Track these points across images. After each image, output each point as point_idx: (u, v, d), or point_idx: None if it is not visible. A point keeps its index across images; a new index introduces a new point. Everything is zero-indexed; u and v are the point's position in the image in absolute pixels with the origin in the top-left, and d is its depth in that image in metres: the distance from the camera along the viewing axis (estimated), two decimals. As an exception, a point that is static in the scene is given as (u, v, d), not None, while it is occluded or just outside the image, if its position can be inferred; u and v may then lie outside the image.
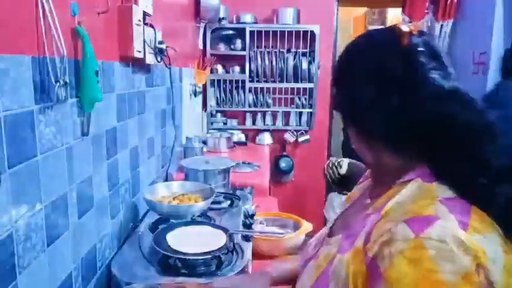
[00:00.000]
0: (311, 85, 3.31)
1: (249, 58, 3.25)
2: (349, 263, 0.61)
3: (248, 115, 3.45)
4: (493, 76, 2.16)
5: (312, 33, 3.23)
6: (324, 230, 0.82)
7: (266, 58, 3.23)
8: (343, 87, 0.71)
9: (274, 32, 3.21)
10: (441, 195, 0.57)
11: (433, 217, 0.53)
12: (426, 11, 2.77)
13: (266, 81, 3.31)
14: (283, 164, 3.48)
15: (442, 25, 2.65)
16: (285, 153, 3.50)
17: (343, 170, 1.24)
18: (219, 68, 3.31)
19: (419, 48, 0.62)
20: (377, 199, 0.66)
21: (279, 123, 3.45)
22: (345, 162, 1.25)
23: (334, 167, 1.26)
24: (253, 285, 0.91)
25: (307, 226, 1.61)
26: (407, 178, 0.62)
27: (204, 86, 3.17)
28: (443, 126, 0.59)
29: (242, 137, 3.32)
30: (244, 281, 0.95)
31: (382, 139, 0.65)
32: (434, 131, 0.60)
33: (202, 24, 3.00)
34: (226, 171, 1.80)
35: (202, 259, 1.11)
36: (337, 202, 3.01)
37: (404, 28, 0.64)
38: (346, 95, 0.70)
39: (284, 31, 3.21)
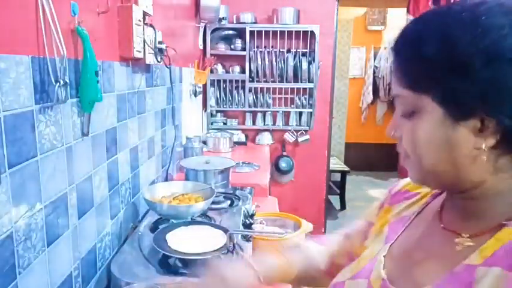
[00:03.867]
0: (311, 85, 3.31)
1: (249, 58, 3.25)
2: None
3: (248, 115, 3.45)
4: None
5: (312, 33, 3.23)
6: (369, 271, 0.61)
7: (266, 58, 3.23)
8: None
9: (274, 32, 3.21)
10: None
11: None
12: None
13: (266, 81, 3.31)
14: (283, 164, 3.47)
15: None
16: (285, 153, 3.50)
17: None
18: (219, 68, 3.31)
19: None
20: (475, 241, 0.51)
21: (279, 123, 3.45)
22: None
23: None
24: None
25: (307, 226, 1.61)
26: None
27: (204, 86, 3.16)
28: None
29: (242, 137, 3.32)
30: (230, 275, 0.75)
31: None
32: None
33: (202, 24, 3.00)
34: (226, 171, 1.80)
35: (202, 259, 1.10)
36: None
37: None
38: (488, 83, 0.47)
39: (284, 31, 3.21)
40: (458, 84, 0.48)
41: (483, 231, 0.50)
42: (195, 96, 2.71)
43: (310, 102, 3.37)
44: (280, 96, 3.40)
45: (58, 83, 0.85)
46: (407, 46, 0.54)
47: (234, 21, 3.27)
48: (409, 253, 0.59)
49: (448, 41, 0.49)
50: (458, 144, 0.49)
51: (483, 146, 0.48)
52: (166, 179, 1.92)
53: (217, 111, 3.42)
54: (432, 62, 0.50)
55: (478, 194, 0.52)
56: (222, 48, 3.27)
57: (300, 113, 3.45)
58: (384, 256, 0.61)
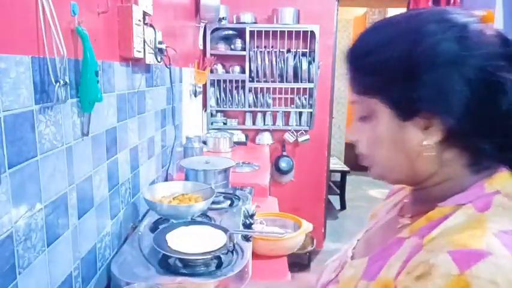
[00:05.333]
0: (311, 85, 3.31)
1: (249, 58, 3.25)
2: None
3: (248, 115, 3.45)
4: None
5: (312, 33, 3.23)
6: (344, 252, 0.72)
7: (266, 58, 3.23)
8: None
9: (274, 32, 3.21)
10: (496, 227, 0.47)
11: (484, 251, 0.44)
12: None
13: (266, 81, 3.31)
14: (283, 164, 3.47)
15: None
16: (285, 153, 3.50)
17: None
18: (219, 68, 3.31)
19: None
20: (413, 220, 0.57)
21: (279, 123, 3.45)
22: None
23: None
24: None
25: (307, 226, 1.61)
26: (456, 201, 0.53)
27: (204, 86, 3.17)
28: None
29: (242, 137, 3.32)
30: None
31: (470, 134, 0.53)
32: None
33: (202, 24, 3.00)
34: (226, 171, 1.80)
35: (202, 259, 1.11)
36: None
37: None
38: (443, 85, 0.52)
39: (284, 31, 3.21)
40: (401, 88, 0.53)
41: (422, 212, 0.56)
42: (195, 96, 2.71)
43: (310, 102, 3.37)
44: (280, 96, 3.40)
45: (58, 83, 0.85)
46: (355, 56, 0.60)
47: (234, 21, 3.27)
48: (372, 236, 0.69)
49: (388, 49, 0.54)
50: (407, 141, 0.55)
51: (430, 142, 0.54)
52: (166, 179, 1.92)
53: (217, 111, 3.42)
54: (376, 69, 0.56)
55: (428, 184, 0.58)
56: (222, 48, 3.27)
57: (300, 113, 3.45)
58: (358, 240, 0.72)
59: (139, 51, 1.35)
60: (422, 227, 0.53)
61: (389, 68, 0.54)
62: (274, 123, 3.45)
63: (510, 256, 0.44)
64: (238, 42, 3.26)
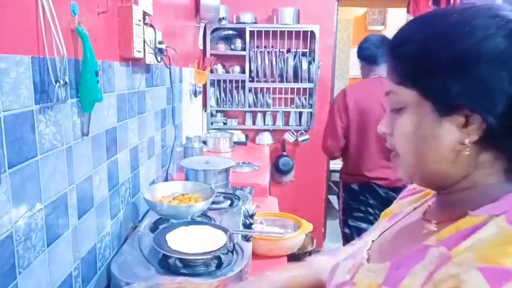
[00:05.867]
0: (311, 85, 3.31)
1: (249, 58, 3.25)
2: None
3: (248, 115, 3.45)
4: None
5: (312, 33, 3.23)
6: (358, 252, 0.68)
7: (266, 58, 3.23)
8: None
9: (274, 32, 3.21)
10: None
11: None
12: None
13: (266, 81, 3.31)
14: (283, 164, 3.47)
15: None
16: (285, 153, 3.50)
17: None
18: (219, 68, 3.31)
19: None
20: (440, 227, 0.54)
21: (279, 123, 3.45)
22: None
23: None
24: None
25: (307, 226, 1.61)
26: (488, 211, 0.49)
27: (204, 86, 3.17)
28: None
29: (242, 137, 3.32)
30: None
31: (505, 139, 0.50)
32: None
33: (202, 24, 3.00)
34: (226, 171, 1.80)
35: (202, 259, 1.11)
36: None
37: None
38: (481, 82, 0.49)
39: (284, 31, 3.21)
40: (443, 80, 0.51)
41: (450, 218, 0.52)
42: (195, 96, 2.71)
43: (310, 102, 3.37)
44: (280, 96, 3.40)
45: (58, 83, 0.85)
46: (400, 45, 0.56)
47: (234, 21, 3.27)
48: (391, 238, 0.65)
49: (436, 40, 0.51)
50: (443, 137, 0.52)
51: (466, 141, 0.50)
52: (166, 179, 1.92)
53: (217, 111, 3.42)
54: (418, 58, 0.53)
55: (458, 188, 0.55)
56: (222, 48, 3.27)
57: (300, 113, 3.45)
58: (373, 241, 0.68)
59: (139, 51, 1.35)
60: (451, 235, 0.50)
61: (432, 58, 0.51)
62: (274, 123, 3.45)
63: None
64: (238, 42, 3.26)
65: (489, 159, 0.52)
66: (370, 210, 2.22)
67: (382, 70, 2.20)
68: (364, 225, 2.19)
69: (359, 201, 2.25)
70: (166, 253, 1.10)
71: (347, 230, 2.33)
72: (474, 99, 0.49)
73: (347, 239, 2.31)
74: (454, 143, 0.51)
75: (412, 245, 0.55)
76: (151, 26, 1.48)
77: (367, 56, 2.24)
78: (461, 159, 0.52)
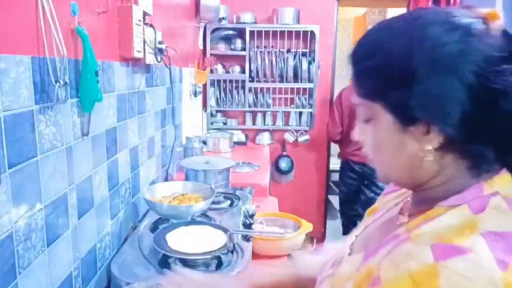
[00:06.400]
0: (311, 85, 3.31)
1: (249, 58, 3.25)
2: (358, 280, 0.55)
3: (248, 115, 3.45)
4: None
5: (312, 33, 3.23)
6: (342, 248, 0.72)
7: (266, 58, 3.23)
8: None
9: (274, 32, 3.21)
10: (486, 227, 0.47)
11: (465, 248, 0.44)
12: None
13: (266, 81, 3.31)
14: (283, 164, 3.48)
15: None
16: (285, 153, 3.50)
17: None
18: (219, 68, 3.31)
19: None
20: (411, 219, 0.57)
21: (279, 123, 3.45)
22: None
23: None
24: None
25: (307, 226, 1.61)
26: (453, 201, 0.52)
27: (204, 86, 3.17)
28: None
29: (242, 137, 3.32)
30: (222, 281, 0.90)
31: (464, 140, 0.52)
32: None
33: (202, 24, 3.00)
34: (226, 171, 1.80)
35: (202, 259, 1.11)
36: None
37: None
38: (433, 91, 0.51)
39: (284, 31, 3.21)
40: (399, 94, 0.52)
41: (421, 211, 0.55)
42: (195, 96, 2.71)
43: (310, 102, 3.37)
44: (280, 96, 3.40)
45: (58, 83, 0.85)
46: (357, 58, 0.59)
47: (234, 21, 3.27)
48: (371, 232, 0.69)
49: (388, 52, 0.53)
50: (407, 146, 0.55)
51: (429, 148, 0.53)
52: (166, 179, 1.92)
53: (217, 111, 3.42)
54: (376, 73, 0.55)
55: (429, 186, 0.58)
56: (222, 48, 3.27)
57: (300, 113, 3.45)
58: (357, 236, 0.72)
59: (139, 51, 1.35)
60: (419, 224, 0.53)
61: (388, 72, 0.53)
62: (274, 123, 3.45)
63: (491, 257, 0.44)
64: (238, 42, 3.26)
65: (453, 160, 0.54)
66: (351, 181, 3.18)
67: None
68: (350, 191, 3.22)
69: (344, 172, 3.24)
70: (166, 253, 1.10)
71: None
72: (429, 112, 0.51)
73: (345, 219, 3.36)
74: (418, 149, 0.54)
75: (385, 236, 0.58)
76: (151, 26, 1.48)
77: None
78: (426, 163, 0.55)
